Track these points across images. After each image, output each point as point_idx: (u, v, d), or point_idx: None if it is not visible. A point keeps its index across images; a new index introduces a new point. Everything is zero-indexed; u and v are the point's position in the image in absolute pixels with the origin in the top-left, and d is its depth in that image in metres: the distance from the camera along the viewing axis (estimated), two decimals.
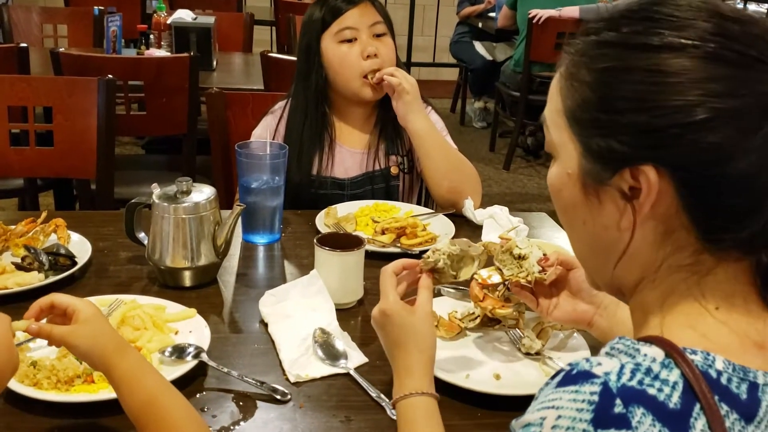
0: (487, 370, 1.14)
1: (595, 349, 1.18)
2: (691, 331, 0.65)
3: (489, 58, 5.49)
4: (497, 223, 1.67)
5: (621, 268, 0.71)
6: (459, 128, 5.84)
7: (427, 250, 1.51)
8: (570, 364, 0.67)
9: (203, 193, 1.36)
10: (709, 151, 0.61)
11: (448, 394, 1.07)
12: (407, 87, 1.71)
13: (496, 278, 1.15)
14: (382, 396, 1.06)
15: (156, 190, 1.37)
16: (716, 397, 0.58)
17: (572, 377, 0.62)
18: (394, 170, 1.83)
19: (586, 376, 0.60)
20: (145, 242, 1.39)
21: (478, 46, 5.54)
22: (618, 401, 0.58)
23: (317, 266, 1.31)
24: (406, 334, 0.97)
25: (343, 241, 1.32)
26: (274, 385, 1.07)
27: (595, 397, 0.58)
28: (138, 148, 4.51)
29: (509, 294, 1.17)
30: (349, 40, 1.74)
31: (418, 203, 1.92)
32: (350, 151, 1.83)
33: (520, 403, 1.05)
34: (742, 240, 0.64)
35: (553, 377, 0.70)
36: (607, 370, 0.60)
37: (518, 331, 1.22)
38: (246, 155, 1.54)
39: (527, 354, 1.18)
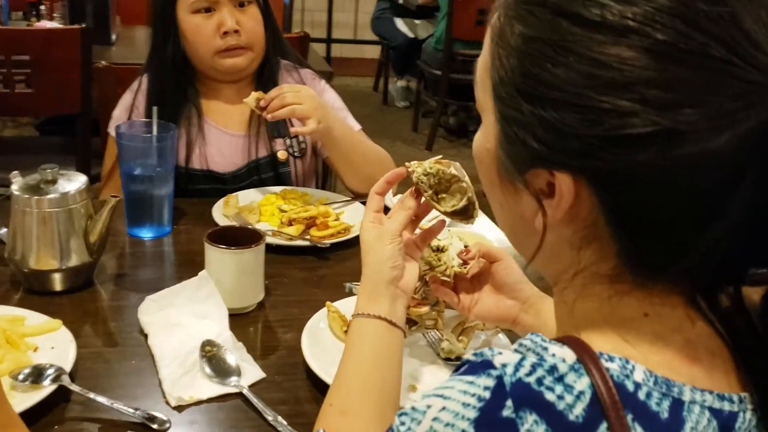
0: (403, 381, 1.00)
1: None
2: (612, 335, 0.55)
3: (410, 35, 5.34)
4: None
5: (538, 261, 0.61)
6: (382, 108, 5.70)
7: (342, 243, 1.38)
8: (479, 353, 0.57)
9: (73, 182, 1.17)
10: (635, 171, 0.49)
11: None
12: (305, 109, 1.46)
13: None
14: (280, 419, 0.91)
15: (16, 179, 1.17)
16: (629, 416, 0.48)
17: (472, 366, 0.53)
18: (281, 155, 1.63)
19: (484, 366, 0.52)
20: (5, 240, 1.19)
21: (399, 23, 5.38)
22: (509, 402, 0.48)
23: (208, 266, 1.14)
24: (365, 250, 0.92)
25: (238, 237, 1.15)
26: (150, 412, 0.90)
27: (487, 393, 0.49)
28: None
29: (427, 291, 1.03)
30: (207, 9, 1.50)
31: (318, 188, 1.76)
32: (229, 135, 1.62)
33: None
34: (671, 274, 0.54)
35: (461, 367, 0.60)
36: (504, 361, 0.51)
37: (437, 332, 1.09)
38: (127, 137, 1.35)
39: (447, 359, 1.04)
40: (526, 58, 0.52)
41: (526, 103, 0.52)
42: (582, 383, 0.49)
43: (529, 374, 0.50)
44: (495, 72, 0.55)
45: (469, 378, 0.51)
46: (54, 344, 1.00)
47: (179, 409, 0.93)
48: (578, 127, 0.50)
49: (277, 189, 1.58)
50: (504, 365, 0.51)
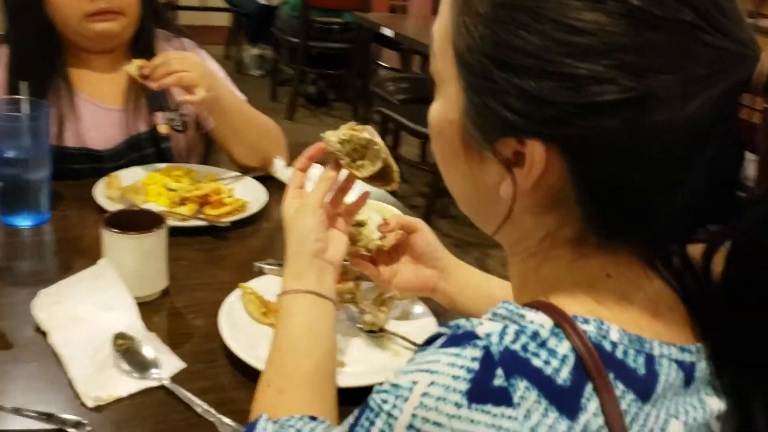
0: None
1: (439, 316, 1.07)
2: (583, 297, 0.56)
3: (263, 1, 5.21)
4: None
5: (500, 230, 0.62)
6: (235, 77, 5.42)
7: (240, 221, 1.33)
8: (453, 325, 0.57)
9: None
10: (609, 138, 0.51)
11: None
12: (194, 77, 1.37)
13: None
14: (211, 410, 0.87)
15: None
16: (611, 375, 0.50)
17: (456, 337, 0.52)
18: (163, 129, 1.54)
19: (468, 337, 0.51)
20: None
21: None
22: (499, 371, 0.49)
23: (107, 253, 1.06)
24: (287, 225, 0.91)
25: (138, 220, 1.07)
26: (64, 416, 0.83)
27: (476, 364, 0.49)
28: None
29: (346, 266, 1.02)
30: None
31: (202, 163, 1.68)
32: (104, 110, 1.51)
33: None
34: (636, 238, 0.57)
35: (432, 340, 0.59)
36: (488, 330, 0.51)
37: (355, 306, 1.08)
38: None
39: (370, 331, 1.04)
40: (498, 26, 0.51)
41: (498, 71, 0.51)
42: (564, 347, 0.50)
43: (513, 341, 0.50)
44: (461, 40, 0.54)
45: (454, 350, 0.51)
46: None
47: (98, 410, 0.86)
48: (554, 95, 0.50)
49: (161, 166, 1.50)
50: (488, 335, 0.51)
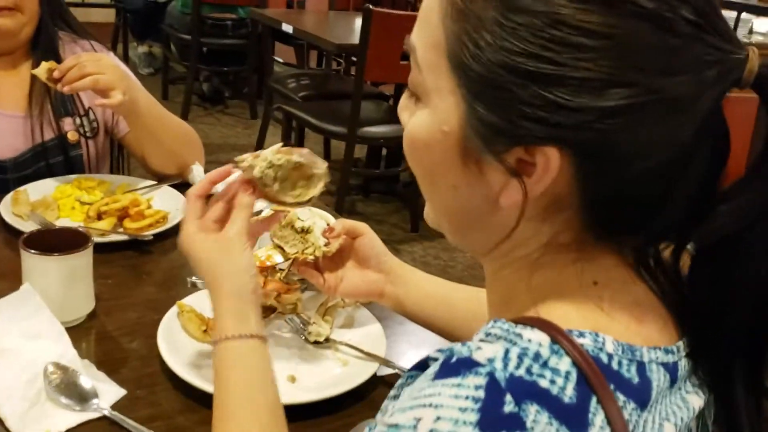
0: (278, 373, 0.94)
1: (384, 321, 1.07)
2: (572, 310, 0.56)
3: None
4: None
5: (477, 242, 0.61)
6: None
7: (162, 233, 1.26)
8: (442, 351, 0.55)
9: None
10: (625, 140, 0.50)
11: None
12: (110, 79, 1.29)
13: (278, 258, 0.97)
14: None
15: None
16: (611, 386, 0.50)
17: (452, 366, 0.50)
18: (72, 136, 1.45)
19: (468, 365, 0.50)
20: None
21: None
22: (508, 397, 0.47)
23: (28, 277, 0.98)
24: (208, 266, 0.80)
25: (59, 239, 1.00)
26: None
27: (481, 393, 0.48)
28: None
29: (291, 276, 1.00)
30: None
31: (111, 172, 1.60)
32: (6, 116, 1.41)
33: (327, 409, 0.90)
34: (632, 240, 0.57)
35: (414, 371, 0.58)
36: (489, 356, 0.50)
37: (298, 316, 1.06)
38: None
39: (316, 342, 1.02)
40: (511, 34, 0.50)
41: (513, 79, 0.50)
42: (565, 363, 0.50)
43: (517, 366, 0.49)
44: (462, 51, 0.52)
45: (454, 380, 0.49)
46: None
47: None
48: (574, 101, 0.49)
49: (70, 178, 1.41)
50: (491, 360, 0.49)
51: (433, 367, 0.53)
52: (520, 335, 0.52)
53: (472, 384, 0.48)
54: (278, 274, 0.98)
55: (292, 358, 0.99)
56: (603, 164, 0.51)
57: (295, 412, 0.89)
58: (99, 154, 1.51)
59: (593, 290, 0.56)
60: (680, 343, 0.57)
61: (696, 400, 0.56)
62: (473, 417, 0.47)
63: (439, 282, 1.03)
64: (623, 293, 0.57)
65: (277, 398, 0.78)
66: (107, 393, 0.88)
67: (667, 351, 0.55)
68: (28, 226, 1.22)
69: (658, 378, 0.53)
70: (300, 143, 3.70)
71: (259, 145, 3.99)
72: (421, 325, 1.02)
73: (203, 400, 0.88)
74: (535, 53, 0.49)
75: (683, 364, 0.56)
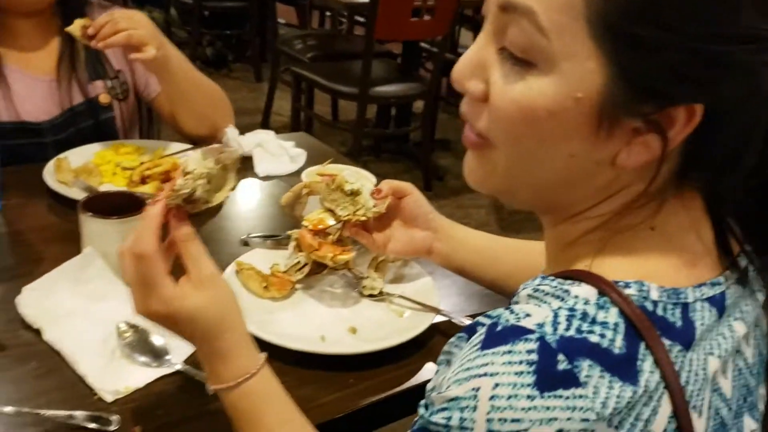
0: (339, 325, 0.99)
1: (437, 274, 1.09)
2: (624, 261, 0.58)
3: None
4: (267, 151, 1.48)
5: (576, 203, 0.60)
6: None
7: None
8: (488, 316, 0.58)
9: None
10: (760, 97, 0.51)
11: (306, 365, 0.91)
12: (143, 35, 1.29)
13: (330, 221, 0.99)
14: None
15: None
16: (657, 332, 0.53)
17: (499, 335, 0.53)
18: (104, 99, 1.46)
19: (516, 333, 0.52)
20: None
21: None
22: (561, 356, 0.50)
23: (89, 241, 1.00)
24: (206, 323, 0.73)
25: (116, 203, 1.02)
26: (90, 412, 0.80)
27: (534, 356, 0.50)
28: None
29: (344, 236, 1.02)
30: None
31: (141, 136, 1.61)
32: (37, 80, 1.41)
33: (389, 358, 0.93)
34: (718, 179, 0.57)
35: (463, 334, 0.61)
36: (538, 321, 0.52)
37: (350, 272, 1.08)
38: None
39: (370, 296, 1.05)
40: None
41: (672, 38, 0.49)
42: (612, 315, 0.52)
43: (567, 329, 0.51)
44: (612, 10, 0.50)
45: (504, 348, 0.51)
46: None
47: (117, 403, 0.83)
48: (734, 57, 0.49)
49: (108, 144, 1.42)
50: (540, 326, 0.51)
51: (479, 336, 0.54)
52: (567, 291, 0.54)
53: (524, 349, 0.50)
54: (330, 236, 1.00)
55: (349, 311, 1.02)
56: (735, 117, 0.52)
57: (358, 362, 0.92)
58: (130, 117, 1.52)
59: (650, 237, 0.57)
60: (726, 272, 0.59)
61: (741, 327, 0.58)
62: (530, 379, 0.49)
63: (486, 236, 1.06)
64: (680, 237, 0.58)
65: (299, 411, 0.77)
66: (178, 349, 0.91)
67: (713, 284, 0.57)
68: (73, 193, 1.24)
69: (702, 317, 0.55)
70: (309, 105, 3.69)
71: (268, 109, 3.98)
72: (469, 279, 1.05)
73: (271, 352, 0.90)
74: (691, 10, 0.49)
75: (731, 292, 0.58)
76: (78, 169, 1.30)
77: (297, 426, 0.75)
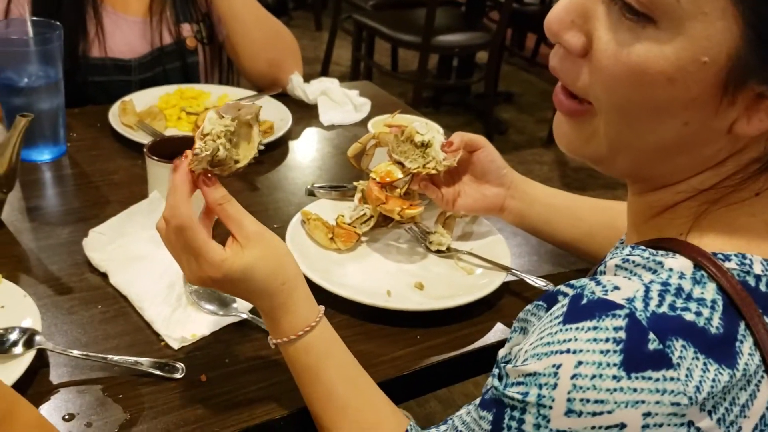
0: (405, 280, 0.96)
1: (505, 232, 1.05)
2: (723, 230, 0.52)
3: None
4: (331, 99, 1.44)
5: (680, 172, 0.54)
6: None
7: (270, 143, 1.25)
8: (571, 286, 0.53)
9: None
10: None
11: (372, 318, 0.89)
12: None
13: (398, 174, 0.95)
14: None
15: None
16: (759, 310, 0.48)
17: (584, 309, 0.48)
18: (190, 42, 1.45)
19: (603, 307, 0.47)
20: None
21: None
22: (651, 335, 0.46)
23: (156, 185, 0.99)
24: (260, 279, 0.69)
25: (182, 147, 0.99)
26: (156, 359, 0.79)
27: (622, 334, 0.46)
28: None
29: (412, 190, 0.98)
30: None
31: (221, 82, 1.59)
32: (128, 20, 1.41)
33: (457, 316, 0.90)
34: None
35: (542, 302, 0.56)
36: (628, 295, 0.47)
37: (417, 226, 1.05)
38: (0, 42, 1.10)
39: (438, 251, 1.01)
40: None
41: None
42: (709, 291, 0.48)
43: (659, 305, 0.47)
44: None
45: (589, 323, 0.47)
46: (2, 303, 0.83)
47: (184, 350, 0.82)
48: None
49: (172, 88, 1.40)
50: (630, 300, 0.47)
51: (561, 307, 0.50)
52: (661, 263, 0.50)
53: (611, 326, 0.46)
54: (398, 190, 0.96)
55: (416, 266, 0.99)
56: None
57: (426, 319, 0.90)
58: (213, 62, 1.51)
59: (755, 205, 0.52)
60: None
61: None
62: (616, 358, 0.45)
63: (562, 194, 1.00)
64: None
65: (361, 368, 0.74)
66: None
67: None
68: (138, 136, 1.23)
69: None
70: (369, 54, 3.63)
71: (327, 58, 3.93)
72: (542, 239, 1.01)
73: (334, 304, 0.89)
74: None
75: None
76: (143, 112, 1.29)
77: (358, 382, 0.72)
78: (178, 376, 0.78)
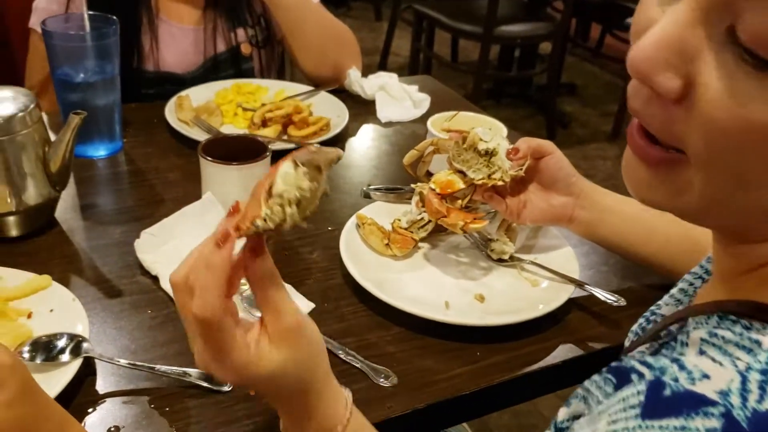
0: (465, 291, 0.91)
1: (573, 241, 0.98)
2: None
3: None
4: (389, 95, 1.39)
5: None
6: None
7: (326, 141, 1.21)
8: (647, 365, 0.43)
9: (14, 100, 0.93)
10: None
11: (428, 332, 0.84)
12: None
13: (460, 184, 0.90)
14: (352, 352, 0.80)
15: None
16: None
17: (668, 403, 0.39)
18: (245, 49, 1.42)
19: (692, 403, 0.38)
20: None
21: None
22: None
23: (209, 185, 0.96)
24: (286, 385, 0.59)
25: (237, 147, 0.97)
26: (199, 371, 0.76)
27: None
28: None
29: (476, 202, 0.93)
30: None
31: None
32: (180, 29, 1.39)
33: (519, 331, 0.85)
34: None
35: (611, 376, 0.46)
36: (721, 388, 0.39)
37: (478, 232, 0.99)
38: (58, 36, 1.08)
39: (499, 260, 0.96)
40: None
41: None
42: None
43: (761, 399, 0.38)
44: None
45: (676, 422, 0.39)
46: (51, 306, 0.81)
47: None
48: None
49: (228, 83, 1.38)
50: (724, 394, 0.38)
51: (636, 395, 0.41)
52: (758, 342, 0.41)
53: (702, 427, 0.38)
54: (459, 201, 0.91)
55: (477, 276, 0.94)
56: None
57: (487, 334, 0.84)
58: (269, 63, 1.48)
59: None
60: None
61: None
62: None
63: (632, 201, 0.93)
64: None
65: None
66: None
67: None
68: (193, 133, 1.21)
69: None
70: (429, 45, 3.56)
71: (386, 49, 3.88)
72: (615, 252, 0.94)
73: (391, 317, 0.85)
74: None
75: None
76: (199, 108, 1.27)
77: None
78: (226, 388, 0.75)
